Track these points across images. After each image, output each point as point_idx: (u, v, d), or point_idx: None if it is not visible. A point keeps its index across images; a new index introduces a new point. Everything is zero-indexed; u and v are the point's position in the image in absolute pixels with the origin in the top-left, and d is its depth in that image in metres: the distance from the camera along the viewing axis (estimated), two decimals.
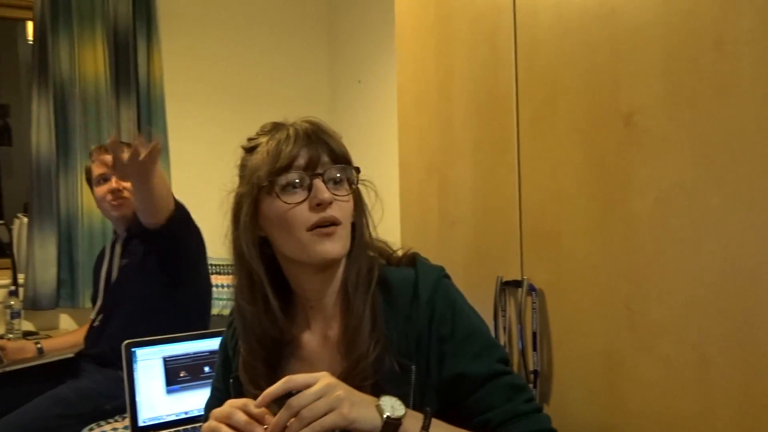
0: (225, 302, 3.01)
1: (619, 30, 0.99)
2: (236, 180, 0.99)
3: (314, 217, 0.90)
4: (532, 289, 1.17)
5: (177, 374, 1.63)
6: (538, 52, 1.17)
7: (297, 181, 0.90)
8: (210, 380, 1.66)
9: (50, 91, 2.90)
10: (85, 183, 2.87)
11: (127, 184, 2.01)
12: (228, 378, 1.04)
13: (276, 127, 0.95)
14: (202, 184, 3.37)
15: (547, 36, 1.14)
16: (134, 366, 1.59)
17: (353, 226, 0.96)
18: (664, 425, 0.93)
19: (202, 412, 1.61)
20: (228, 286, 3.08)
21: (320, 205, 0.90)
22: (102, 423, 1.74)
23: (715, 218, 0.85)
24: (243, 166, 0.97)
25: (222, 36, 3.43)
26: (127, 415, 1.56)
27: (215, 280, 3.08)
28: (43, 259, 2.84)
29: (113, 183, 2.06)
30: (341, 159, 0.93)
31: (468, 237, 1.37)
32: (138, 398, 1.57)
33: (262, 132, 0.96)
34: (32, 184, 2.87)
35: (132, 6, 3.12)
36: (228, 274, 3.25)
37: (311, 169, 0.91)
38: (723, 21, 0.84)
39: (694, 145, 0.88)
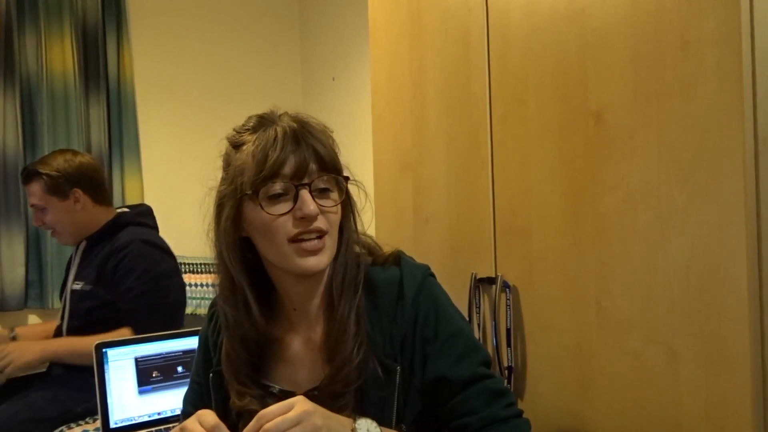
0: (199, 301, 2.98)
1: (587, 29, 1.01)
2: (217, 174, 0.95)
3: (298, 227, 0.88)
4: (506, 285, 1.19)
5: (149, 375, 1.61)
6: (509, 50, 1.18)
7: (282, 191, 0.88)
8: (183, 380, 1.65)
9: (16, 88, 2.84)
10: None
11: (45, 220, 1.94)
12: (208, 372, 1.03)
13: (263, 123, 0.91)
14: (175, 181, 3.34)
15: (518, 34, 1.16)
16: (105, 367, 1.56)
17: (341, 228, 0.94)
18: (633, 418, 0.95)
19: (175, 413, 1.60)
20: (202, 285, 3.06)
21: (305, 219, 0.88)
22: (72, 425, 1.72)
23: (681, 215, 0.87)
24: (227, 163, 0.93)
25: (193, 33, 3.40)
26: (98, 416, 1.54)
27: (189, 278, 3.05)
28: (10, 259, 2.79)
29: (33, 221, 2.02)
30: (330, 167, 0.90)
31: (442, 234, 1.38)
32: (109, 399, 1.54)
33: (249, 127, 0.92)
34: None
35: (101, 2, 3.07)
36: (202, 272, 3.21)
37: (297, 178, 0.87)
38: (688, 21, 0.85)
39: (661, 144, 0.90)
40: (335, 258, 0.93)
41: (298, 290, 0.96)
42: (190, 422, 0.82)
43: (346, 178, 0.92)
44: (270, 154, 0.86)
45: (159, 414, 1.59)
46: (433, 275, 0.98)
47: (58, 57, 2.95)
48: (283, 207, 0.88)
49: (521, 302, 1.17)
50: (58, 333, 1.98)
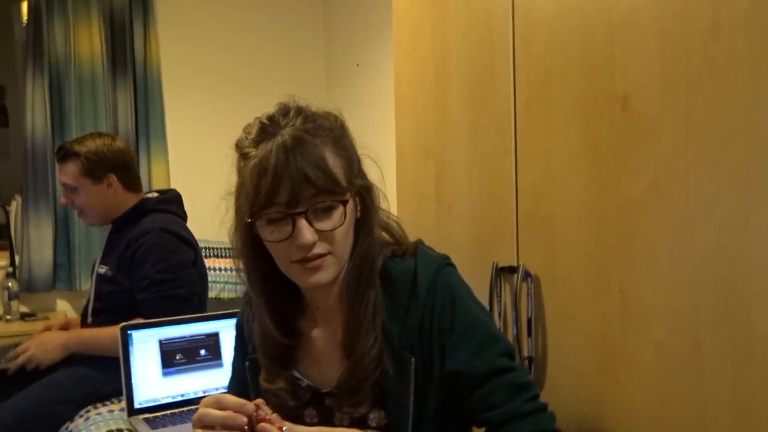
0: (223, 285, 3.01)
1: (614, 11, 0.98)
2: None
3: (298, 254, 0.88)
4: (527, 275, 1.17)
5: (173, 357, 1.64)
6: (534, 33, 1.16)
7: (278, 218, 0.86)
8: (206, 363, 1.67)
9: (45, 73, 2.89)
10: None
11: (74, 200, 1.97)
12: (244, 360, 1.05)
13: (264, 133, 0.87)
14: (200, 166, 3.36)
15: (543, 17, 1.13)
16: (130, 349, 1.59)
17: (357, 229, 0.93)
18: (656, 409, 0.93)
19: (199, 395, 1.62)
20: (226, 270, 3.08)
21: (302, 248, 0.87)
22: (98, 405, 1.75)
23: (709, 203, 0.84)
24: (238, 171, 0.92)
25: (218, 19, 3.41)
26: (123, 397, 1.57)
27: (213, 263, 3.08)
28: (38, 241, 2.85)
29: (62, 199, 2.04)
30: (325, 190, 0.86)
31: (464, 221, 1.37)
32: (134, 381, 1.58)
33: (252, 138, 0.89)
34: (27, 165, 2.87)
35: None
36: (227, 257, 3.23)
37: (293, 206, 0.85)
38: (719, 3, 0.82)
39: (689, 129, 0.87)
40: (349, 261, 0.93)
41: (314, 295, 0.97)
42: (208, 407, 0.83)
43: (344, 201, 0.88)
44: (263, 184, 0.84)
45: (183, 396, 1.62)
46: (451, 265, 0.97)
47: (86, 42, 2.98)
48: (283, 232, 0.87)
49: (543, 291, 1.15)
50: (84, 313, 2.02)
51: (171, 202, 2.09)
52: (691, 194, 0.87)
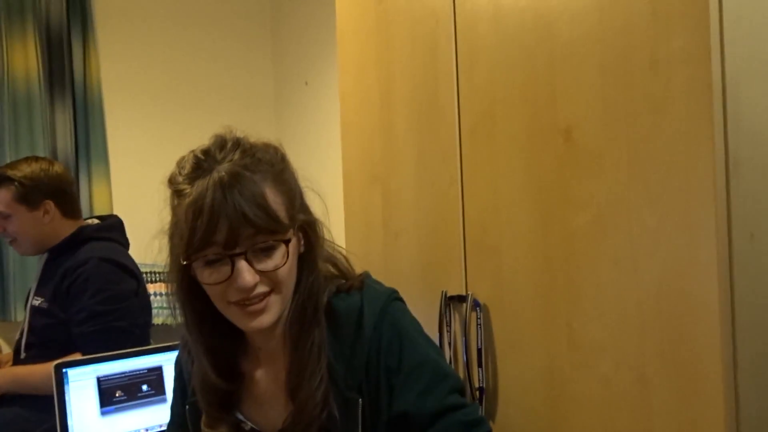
0: (169, 311, 2.91)
1: (556, 44, 0.98)
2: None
3: (237, 296, 0.84)
4: (476, 304, 1.16)
5: (112, 394, 1.55)
6: (477, 62, 1.15)
7: (216, 259, 0.82)
8: (148, 399, 1.60)
9: None
10: None
11: (7, 228, 1.85)
12: (184, 404, 1.00)
13: (199, 169, 0.83)
14: (145, 189, 3.26)
15: (486, 45, 1.13)
16: (65, 388, 1.51)
17: (300, 265, 0.90)
18: None
19: None
20: (168, 294, 2.99)
21: (242, 290, 0.83)
22: None
23: (652, 238, 0.85)
24: (172, 209, 0.87)
25: (163, 36, 3.32)
26: None
27: (158, 288, 2.98)
28: None
29: None
30: (265, 229, 0.81)
31: (412, 249, 1.35)
32: (70, 422, 1.49)
33: (186, 173, 0.84)
34: None
35: (65, 2, 2.98)
36: (167, 281, 3.10)
37: (231, 246, 0.81)
38: (656, 39, 0.83)
39: (631, 163, 0.87)
40: (292, 299, 0.89)
41: (255, 335, 0.93)
42: None
43: (286, 240, 0.84)
44: (199, 224, 0.79)
45: None
46: (399, 299, 0.95)
47: (21, 59, 2.86)
48: (221, 273, 0.82)
49: (492, 321, 1.14)
50: (17, 348, 1.91)
51: (112, 228, 2.01)
52: (635, 229, 0.87)
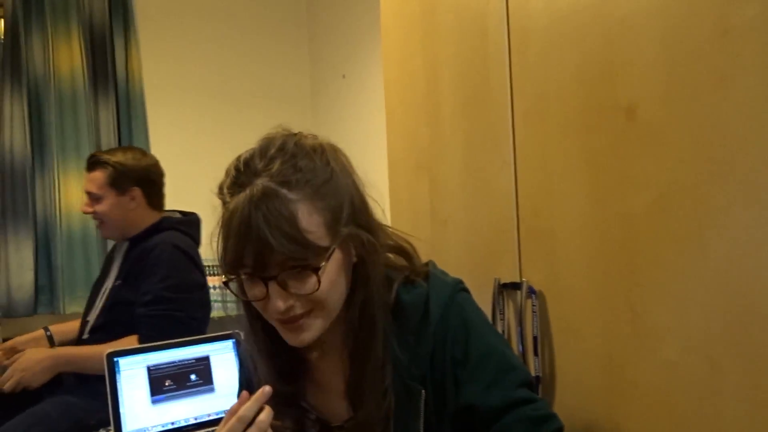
0: (221, 304, 2.95)
1: (613, 18, 0.95)
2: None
3: (275, 316, 0.82)
4: (531, 291, 1.13)
5: (162, 383, 1.57)
6: (530, 43, 1.12)
7: (250, 277, 0.80)
8: (196, 388, 1.61)
9: (23, 89, 2.81)
10: (62, 184, 2.80)
11: (96, 208, 1.94)
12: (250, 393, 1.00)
13: (238, 182, 0.80)
14: (185, 183, 3.30)
15: (537, 25, 1.10)
16: (117, 377, 1.53)
17: (356, 268, 0.86)
18: (669, 431, 0.89)
19: (190, 422, 1.56)
20: (212, 288, 3.02)
21: (278, 312, 0.81)
22: None
23: (720, 216, 0.81)
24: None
25: (201, 31, 3.36)
26: (111, 428, 1.50)
27: (208, 281, 3.02)
28: (18, 264, 2.76)
29: (83, 206, 2.00)
30: (292, 255, 0.77)
31: (461, 237, 1.33)
32: (122, 410, 1.51)
33: (229, 184, 0.82)
34: (5, 185, 2.78)
35: (108, 1, 3.03)
36: (213, 274, 3.15)
37: (260, 270, 0.79)
38: (727, 7, 0.80)
39: (696, 140, 0.84)
40: (347, 309, 0.86)
41: None
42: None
43: (316, 268, 0.79)
44: (228, 248, 0.78)
45: (173, 424, 1.56)
46: (465, 289, 0.92)
47: (66, 58, 2.92)
48: (258, 292, 0.81)
49: (548, 308, 1.12)
50: (82, 328, 1.97)
51: (191, 224, 2.05)
52: (701, 208, 0.84)
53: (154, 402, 1.55)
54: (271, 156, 0.81)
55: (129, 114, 3.06)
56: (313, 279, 0.79)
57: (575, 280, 1.05)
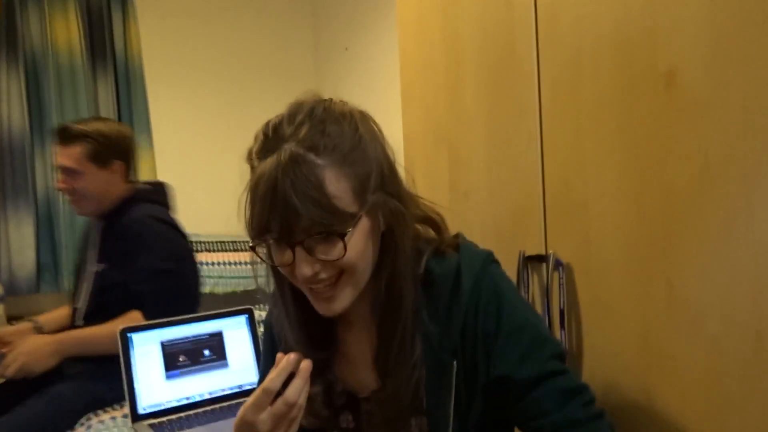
0: (216, 280, 2.93)
1: None
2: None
3: (302, 281, 0.81)
4: (558, 263, 1.11)
5: (176, 359, 1.56)
6: (560, 9, 1.09)
7: (277, 246, 0.80)
8: (210, 364, 1.60)
9: (20, 64, 2.75)
10: None
11: (75, 185, 1.82)
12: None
13: (267, 146, 0.79)
14: (187, 158, 3.26)
15: None
16: (131, 352, 1.51)
17: (384, 237, 0.84)
18: (710, 408, 0.88)
19: (204, 398, 1.55)
20: (217, 264, 3.00)
21: (304, 278, 0.80)
22: (99, 412, 1.67)
23: None
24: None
25: (201, 5, 3.28)
26: (126, 403, 1.49)
27: (203, 257, 2.99)
28: (19, 242, 2.73)
29: (58, 183, 1.86)
30: (318, 224, 0.76)
31: (483, 209, 1.30)
32: (136, 385, 1.50)
33: (256, 149, 0.81)
34: (3, 162, 2.73)
35: None
36: (217, 251, 3.14)
37: (287, 236, 0.77)
38: None
39: (746, 110, 0.81)
40: (375, 279, 0.85)
41: None
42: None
43: (342, 234, 0.77)
44: (255, 213, 0.78)
45: (188, 399, 1.54)
46: (495, 261, 0.91)
47: (63, 32, 2.85)
48: (285, 257, 0.80)
49: (576, 281, 1.10)
50: (74, 316, 1.93)
51: (162, 193, 2.00)
52: (750, 180, 0.81)
53: (168, 377, 1.53)
54: (300, 121, 0.79)
55: (128, 89, 3.01)
56: (340, 245, 0.78)
57: (608, 254, 1.02)
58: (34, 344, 1.73)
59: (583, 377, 1.09)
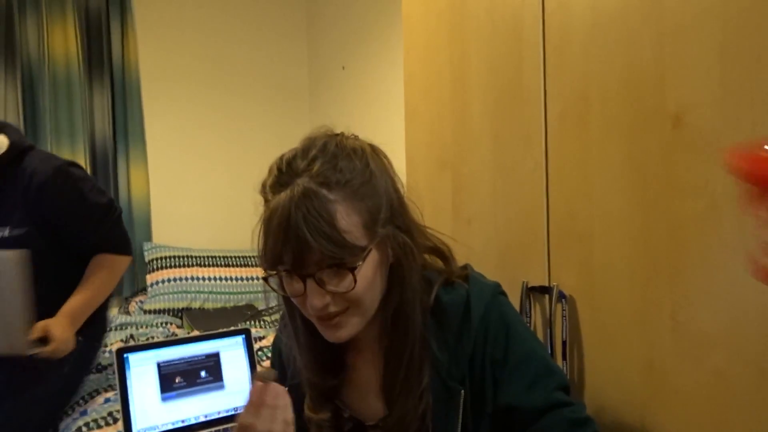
0: (207, 295, 2.91)
1: (666, 26, 0.94)
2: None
3: (312, 312, 0.83)
4: (561, 295, 1.12)
5: (172, 380, 1.54)
6: (568, 43, 1.10)
7: (289, 273, 0.81)
8: (207, 385, 1.58)
9: (17, 73, 2.74)
10: None
11: None
12: (284, 386, 0.99)
13: (280, 181, 0.80)
14: (181, 171, 3.25)
15: (579, 27, 1.08)
16: (127, 373, 1.49)
17: (393, 270, 0.86)
18: None
19: (200, 420, 1.53)
20: (208, 279, 2.98)
21: (314, 308, 0.81)
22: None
23: None
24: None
25: (199, 20, 3.29)
26: (121, 424, 1.47)
27: (196, 272, 2.97)
28: None
29: None
30: (330, 255, 0.77)
31: (487, 237, 1.31)
32: (131, 407, 1.47)
33: (269, 183, 0.82)
34: None
35: None
36: (209, 265, 3.11)
37: (299, 268, 0.79)
38: None
39: None
40: (383, 309, 0.87)
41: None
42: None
43: (352, 267, 0.79)
44: (268, 245, 0.79)
45: (183, 422, 1.52)
46: (503, 293, 0.92)
47: (61, 42, 2.85)
48: (296, 288, 0.81)
49: (579, 313, 1.10)
50: None
51: (22, 134, 1.85)
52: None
53: (164, 399, 1.52)
54: (313, 156, 0.81)
55: (124, 101, 3.00)
56: (350, 278, 0.79)
57: (612, 285, 1.03)
58: (62, 330, 1.69)
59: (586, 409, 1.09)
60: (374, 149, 0.88)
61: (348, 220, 0.78)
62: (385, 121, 2.80)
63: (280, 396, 0.80)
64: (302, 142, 0.84)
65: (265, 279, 0.83)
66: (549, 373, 0.86)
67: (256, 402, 0.78)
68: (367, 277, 0.81)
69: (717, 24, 0.87)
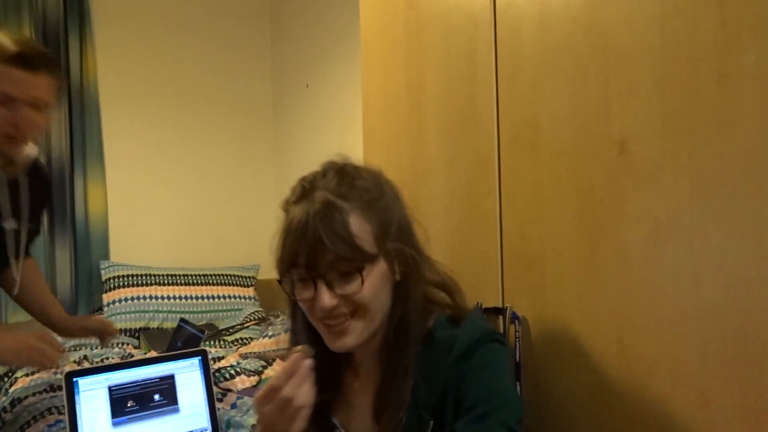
0: (165, 314, 2.85)
1: (610, 55, 0.97)
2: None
3: (320, 314, 0.88)
4: (515, 317, 1.14)
5: (124, 404, 1.50)
6: (520, 71, 1.13)
7: (301, 279, 0.88)
8: (160, 409, 1.55)
9: None
10: None
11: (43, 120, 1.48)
12: None
13: (303, 194, 0.88)
14: (140, 189, 3.20)
15: (530, 54, 1.11)
16: (76, 397, 1.45)
17: (398, 286, 0.91)
18: None
19: None
20: (169, 298, 2.93)
21: (323, 309, 0.87)
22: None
23: (716, 254, 0.83)
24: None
25: (160, 35, 3.26)
26: None
27: (156, 291, 2.92)
28: None
29: (24, 113, 1.42)
30: (344, 255, 0.85)
31: (442, 258, 1.30)
32: None
33: (292, 198, 0.90)
34: None
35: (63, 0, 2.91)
36: (169, 284, 3.06)
37: (311, 268, 0.86)
38: (725, 53, 0.82)
39: (693, 178, 0.86)
40: (386, 323, 0.91)
41: (354, 351, 0.95)
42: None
43: (360, 268, 0.86)
44: (287, 245, 0.87)
45: None
46: (498, 341, 0.91)
47: None
48: (307, 292, 0.88)
49: (531, 335, 1.12)
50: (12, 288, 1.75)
51: None
52: (697, 245, 0.85)
53: (115, 424, 1.48)
54: (331, 176, 0.90)
55: (82, 116, 2.94)
56: (358, 280, 0.86)
57: (563, 308, 1.05)
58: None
59: (542, 428, 1.10)
60: (387, 178, 0.97)
61: (360, 227, 0.86)
62: (351, 139, 2.81)
63: (309, 373, 0.84)
64: (322, 165, 0.93)
65: (279, 282, 0.90)
66: (503, 405, 0.85)
67: (289, 369, 0.82)
68: (374, 284, 0.88)
69: (656, 58, 0.90)
